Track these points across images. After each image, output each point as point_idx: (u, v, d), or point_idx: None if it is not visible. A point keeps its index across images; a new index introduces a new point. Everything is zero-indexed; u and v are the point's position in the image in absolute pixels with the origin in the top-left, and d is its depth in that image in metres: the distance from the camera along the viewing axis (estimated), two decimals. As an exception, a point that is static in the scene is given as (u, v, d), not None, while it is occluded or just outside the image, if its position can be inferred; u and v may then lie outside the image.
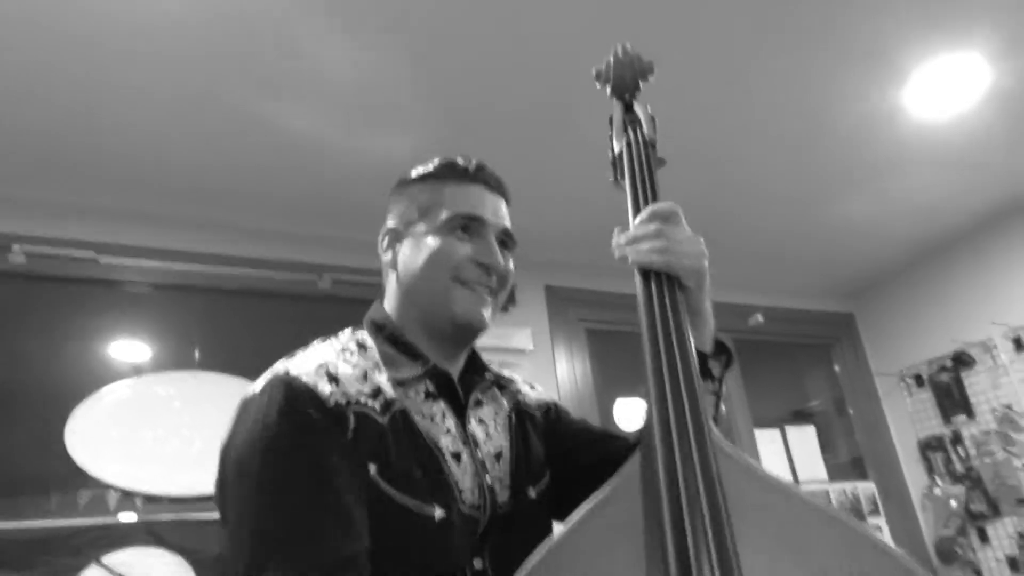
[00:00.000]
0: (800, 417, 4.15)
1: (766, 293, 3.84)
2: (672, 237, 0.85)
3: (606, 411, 3.40)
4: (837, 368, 4.08)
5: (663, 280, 0.84)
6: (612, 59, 1.14)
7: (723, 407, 0.95)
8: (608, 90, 1.14)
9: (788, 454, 3.58)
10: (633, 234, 0.87)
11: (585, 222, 2.77)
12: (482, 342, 0.94)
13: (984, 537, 3.36)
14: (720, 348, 0.94)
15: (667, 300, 0.82)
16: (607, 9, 1.93)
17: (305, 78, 2.06)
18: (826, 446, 4.00)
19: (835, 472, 3.75)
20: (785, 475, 3.53)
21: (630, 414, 4.32)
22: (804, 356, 4.19)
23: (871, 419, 3.88)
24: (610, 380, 3.43)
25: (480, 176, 0.94)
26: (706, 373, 0.89)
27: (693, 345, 0.81)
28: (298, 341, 0.88)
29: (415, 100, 2.23)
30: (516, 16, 1.93)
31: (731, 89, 2.34)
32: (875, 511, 3.62)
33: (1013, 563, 3.22)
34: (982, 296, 3.44)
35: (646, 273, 0.85)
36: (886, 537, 3.57)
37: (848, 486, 3.63)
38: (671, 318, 0.79)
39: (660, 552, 0.62)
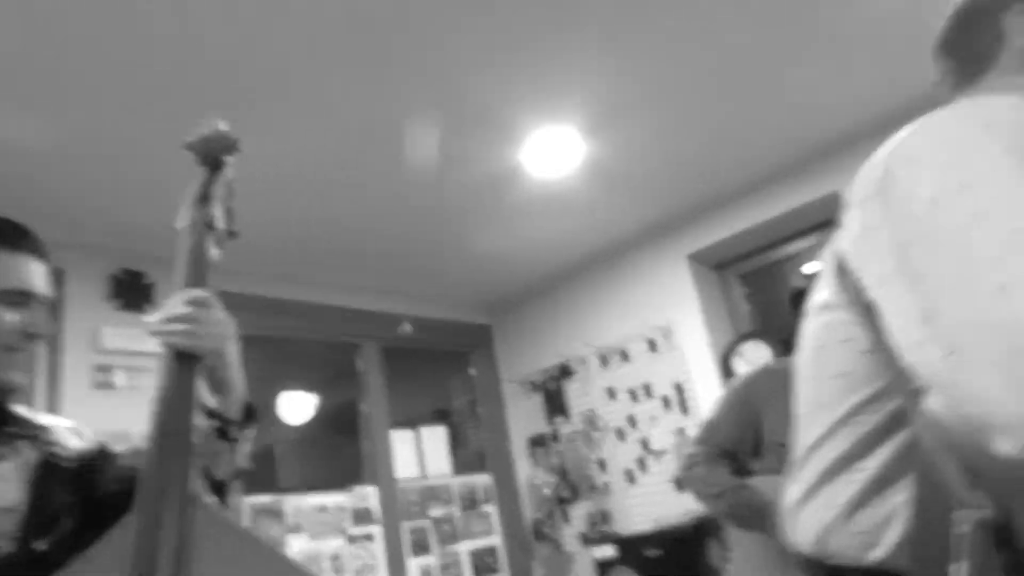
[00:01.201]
0: (440, 416, 4.62)
1: (415, 304, 4.19)
2: (201, 321, 0.98)
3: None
4: (474, 373, 4.61)
5: (186, 359, 0.97)
6: (203, 133, 1.19)
7: (242, 463, 1.07)
8: (197, 159, 1.20)
9: (420, 452, 3.97)
10: (166, 315, 0.98)
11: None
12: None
13: (566, 518, 4.10)
14: (249, 412, 1.08)
15: (182, 379, 0.95)
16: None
17: None
18: (460, 442, 4.51)
19: (463, 466, 4.26)
20: (415, 470, 3.91)
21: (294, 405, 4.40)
22: (447, 362, 4.66)
23: (496, 419, 4.47)
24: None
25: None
26: (226, 435, 1.03)
27: (216, 412, 0.96)
28: None
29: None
30: (146, 30, 1.91)
31: (367, 140, 2.57)
32: (489, 500, 4.19)
33: (585, 537, 3.99)
34: (581, 320, 4.19)
35: (172, 352, 0.97)
36: (495, 520, 4.16)
37: (468, 479, 4.14)
38: (178, 397, 0.93)
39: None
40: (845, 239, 0.69)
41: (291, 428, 4.40)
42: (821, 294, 0.75)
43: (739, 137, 3.11)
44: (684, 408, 3.71)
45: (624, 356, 3.99)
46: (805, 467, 0.73)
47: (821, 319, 0.75)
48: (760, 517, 1.62)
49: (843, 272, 0.70)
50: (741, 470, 1.75)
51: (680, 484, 1.86)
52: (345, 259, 3.61)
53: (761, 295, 4.04)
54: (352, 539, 3.42)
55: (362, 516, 3.52)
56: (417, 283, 4.12)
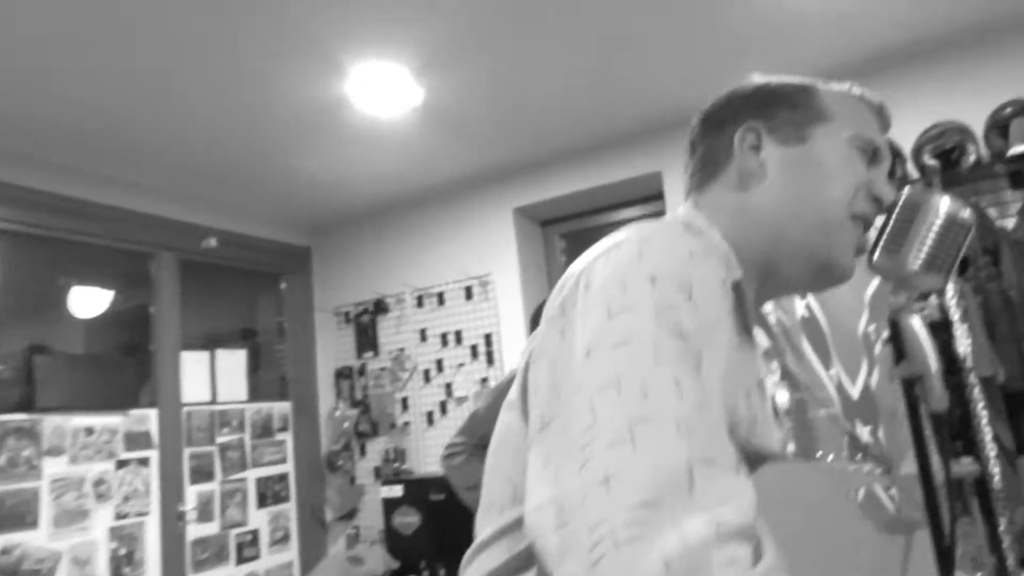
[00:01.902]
0: (245, 336, 4.39)
1: (225, 217, 3.89)
2: None
3: None
4: (285, 297, 4.40)
5: None
6: None
7: None
8: None
9: (213, 375, 3.76)
10: None
11: None
12: None
13: (363, 452, 4.11)
14: None
15: None
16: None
17: None
18: (263, 365, 4.34)
19: (263, 391, 4.10)
20: (206, 394, 3.71)
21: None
22: (259, 281, 4.40)
23: (304, 346, 4.32)
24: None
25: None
26: None
27: None
28: None
29: None
30: None
31: (190, 47, 2.26)
32: (284, 428, 4.09)
33: (378, 472, 4.02)
34: (403, 257, 4.10)
35: None
36: (289, 449, 4.08)
37: (265, 406, 4.01)
38: None
39: None
40: (537, 338, 0.66)
41: (63, 343, 4.00)
42: (515, 385, 0.72)
43: (577, 101, 3.09)
44: (490, 359, 3.78)
45: (440, 300, 3.97)
46: (468, 568, 0.71)
47: (506, 416, 0.73)
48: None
49: (526, 376, 0.67)
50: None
51: (441, 468, 1.88)
52: (145, 160, 3.24)
53: (577, 256, 4.15)
54: (122, 463, 3.21)
55: (137, 440, 3.30)
56: (229, 195, 3.81)
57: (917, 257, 0.68)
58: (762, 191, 0.74)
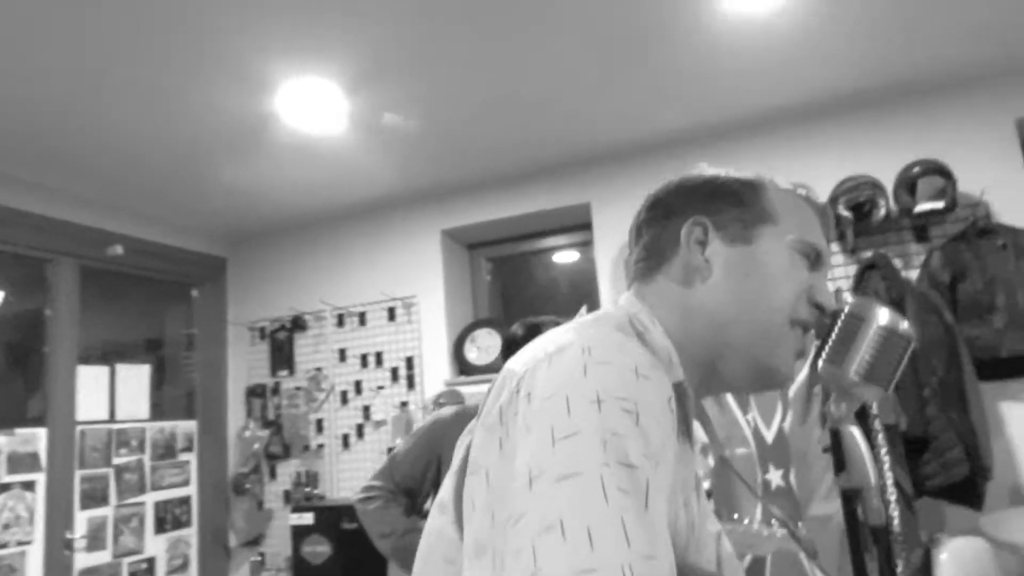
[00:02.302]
0: (150, 348, 4.15)
1: (134, 223, 3.67)
2: None
3: None
4: (196, 308, 4.19)
5: None
6: None
7: None
8: None
9: (112, 392, 3.53)
10: None
11: None
12: None
13: (273, 474, 3.94)
14: None
15: None
16: None
17: None
18: (170, 381, 4.11)
19: (168, 409, 3.88)
20: (103, 412, 3.48)
21: None
22: (169, 290, 4.18)
23: (214, 361, 4.12)
24: None
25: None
26: None
27: None
28: None
29: None
30: None
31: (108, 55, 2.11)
32: (189, 448, 3.87)
33: (287, 495, 3.87)
34: (325, 274, 3.98)
35: None
36: (193, 470, 3.87)
37: (169, 424, 3.79)
38: None
39: None
40: (474, 443, 0.63)
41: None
42: (448, 484, 0.68)
43: (508, 127, 3.07)
44: (411, 383, 3.71)
45: (362, 320, 3.87)
46: None
47: (438, 518, 0.68)
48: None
49: (461, 480, 0.64)
50: (416, 509, 1.74)
51: (356, 511, 1.81)
52: (53, 161, 3.02)
53: (507, 283, 4.14)
54: (3, 488, 2.95)
55: (22, 462, 3.05)
56: (142, 202, 3.60)
57: (858, 370, 0.69)
58: (706, 289, 0.73)
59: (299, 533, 3.42)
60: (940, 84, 2.91)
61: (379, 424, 3.74)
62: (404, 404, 3.68)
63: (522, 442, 0.55)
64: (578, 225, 3.72)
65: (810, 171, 2.99)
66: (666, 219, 0.78)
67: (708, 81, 2.77)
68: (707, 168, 0.82)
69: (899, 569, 2.38)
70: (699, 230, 0.75)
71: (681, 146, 3.32)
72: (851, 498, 0.69)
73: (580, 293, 3.90)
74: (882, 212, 2.78)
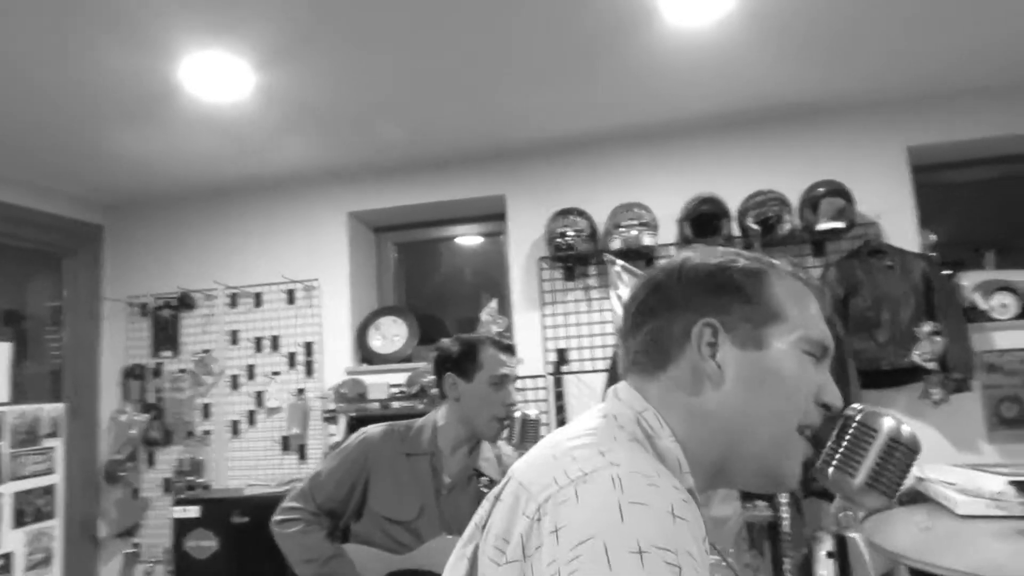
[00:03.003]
0: (10, 320, 3.74)
1: (-3, 186, 3.26)
2: None
3: None
4: (66, 279, 3.80)
5: None
6: None
7: None
8: None
9: (-34, 372, 3.14)
10: None
11: None
12: None
13: (152, 462, 3.68)
14: None
15: None
16: None
17: None
18: (33, 358, 3.72)
19: (32, 391, 3.52)
20: (-46, 395, 3.09)
21: None
22: (35, 258, 3.76)
23: (86, 339, 3.77)
24: None
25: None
26: None
27: None
28: None
29: None
30: None
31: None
32: (55, 433, 3.53)
33: (168, 484, 3.62)
34: (219, 250, 3.72)
35: None
36: (59, 457, 3.53)
37: (32, 408, 3.43)
38: None
39: None
40: (482, 567, 0.60)
41: None
42: None
43: (423, 112, 2.95)
44: (310, 369, 3.55)
45: (258, 301, 3.66)
46: None
47: None
48: (347, 589, 1.55)
49: None
50: (338, 531, 1.66)
51: (273, 534, 1.69)
52: None
53: (413, 269, 4.04)
54: None
55: None
56: (8, 165, 3.19)
57: (868, 479, 0.69)
58: (718, 396, 0.70)
59: (183, 526, 3.21)
60: (845, 108, 3.08)
61: (273, 411, 3.56)
62: (301, 391, 3.53)
63: None
64: (491, 215, 3.67)
65: (724, 180, 3.09)
66: (669, 311, 0.73)
67: (635, 85, 2.77)
68: (709, 253, 0.77)
69: (786, 565, 2.54)
70: (709, 332, 0.71)
71: (602, 146, 3.33)
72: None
73: (486, 282, 3.87)
74: (787, 227, 2.91)
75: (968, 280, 2.96)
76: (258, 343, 3.63)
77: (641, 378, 0.74)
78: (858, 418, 0.73)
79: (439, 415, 1.68)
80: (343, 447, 1.68)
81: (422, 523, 1.58)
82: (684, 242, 3.09)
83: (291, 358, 3.58)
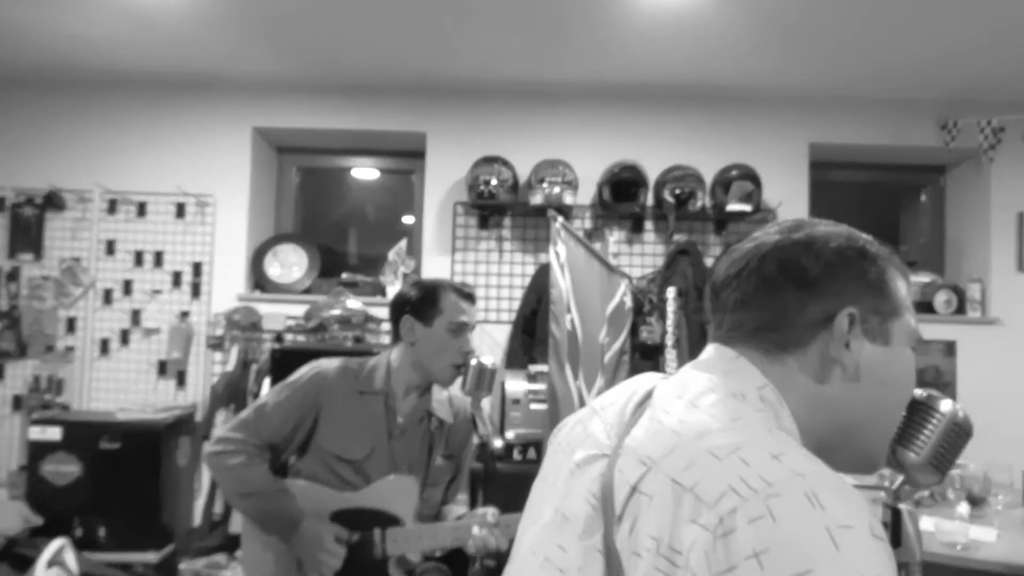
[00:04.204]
0: None
1: None
2: None
3: None
4: (-96, 159, 3.28)
5: None
6: None
7: None
8: None
9: None
10: None
11: None
12: None
13: (1, 375, 3.32)
14: None
15: None
16: None
17: None
18: None
19: None
20: None
21: None
22: None
23: (-75, 229, 3.29)
24: None
25: None
26: None
27: None
28: None
29: None
30: None
31: None
32: None
33: (18, 401, 3.29)
34: (101, 148, 3.34)
35: None
36: None
37: None
38: None
39: None
40: (641, 570, 0.57)
41: None
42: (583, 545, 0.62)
43: (352, 33, 2.80)
44: (196, 291, 3.32)
45: (142, 211, 3.34)
46: None
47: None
48: (287, 526, 1.49)
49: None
50: (279, 466, 1.59)
51: (206, 465, 1.58)
52: None
53: (316, 197, 3.85)
54: None
55: None
56: None
57: (930, 458, 0.75)
58: (844, 388, 0.68)
59: (40, 449, 2.93)
60: (763, 99, 3.25)
61: (151, 332, 3.31)
62: (185, 314, 3.30)
63: None
64: (406, 152, 3.56)
65: (645, 150, 3.18)
66: (802, 290, 0.69)
67: (573, 43, 2.77)
68: (837, 229, 0.72)
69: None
70: (847, 322, 0.68)
71: (532, 98, 3.32)
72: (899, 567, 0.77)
73: (393, 219, 3.77)
74: (699, 204, 3.06)
75: (844, 272, 3.26)
76: (139, 257, 3.33)
77: (760, 355, 0.70)
78: (924, 400, 0.77)
79: (393, 356, 1.64)
80: (293, 380, 1.60)
81: (371, 463, 1.55)
82: (602, 206, 3.17)
83: (176, 277, 3.32)
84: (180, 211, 3.34)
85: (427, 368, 1.61)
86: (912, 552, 0.79)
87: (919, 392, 0.78)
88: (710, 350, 0.74)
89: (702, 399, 0.66)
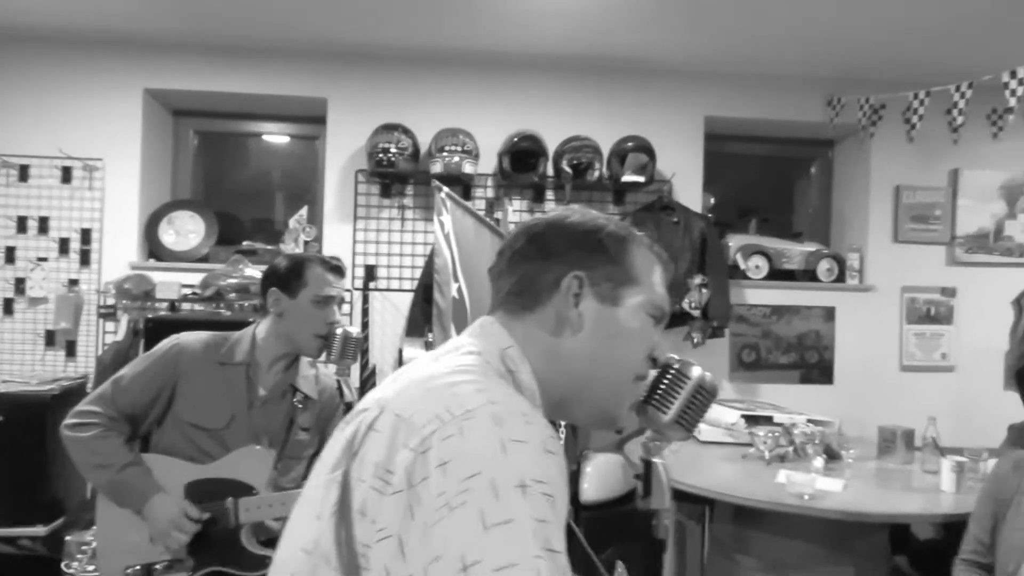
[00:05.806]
0: None
1: None
2: None
3: None
4: None
5: None
6: None
7: None
8: None
9: None
10: None
11: None
12: None
13: None
14: None
15: None
16: None
17: None
18: None
19: None
20: None
21: None
22: None
23: None
24: None
25: None
26: None
27: None
28: None
29: None
30: None
31: None
32: None
33: None
34: (-26, 110, 3.16)
35: None
36: None
37: None
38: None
39: None
40: (363, 491, 0.63)
41: None
42: (310, 527, 0.67)
43: None
44: (85, 259, 3.21)
45: (24, 175, 3.19)
46: None
47: (306, 561, 0.67)
48: (139, 499, 1.50)
49: (348, 526, 0.64)
50: (136, 437, 1.59)
51: (62, 439, 1.57)
52: None
53: (214, 163, 3.75)
54: None
55: None
56: None
57: (676, 416, 0.83)
58: (574, 342, 0.79)
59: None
60: (659, 71, 3.33)
61: (36, 302, 3.19)
62: (74, 283, 3.19)
63: (446, 520, 0.57)
64: (307, 118, 3.50)
65: (544, 120, 3.22)
66: (545, 260, 0.81)
67: (478, 9, 2.77)
68: (586, 212, 0.85)
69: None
70: (576, 283, 0.79)
71: (434, 66, 3.30)
72: (650, 516, 0.85)
73: (294, 186, 3.72)
74: (596, 174, 3.13)
75: (734, 242, 3.42)
76: (22, 223, 3.19)
77: (509, 316, 0.81)
78: (675, 367, 0.86)
79: (260, 329, 1.65)
80: (152, 351, 1.59)
81: (230, 432, 1.56)
82: (502, 175, 3.20)
83: (63, 244, 3.20)
84: (67, 175, 3.21)
85: (293, 339, 1.63)
86: (662, 499, 0.87)
87: (673, 359, 0.86)
88: (479, 319, 0.82)
89: (445, 357, 0.75)
